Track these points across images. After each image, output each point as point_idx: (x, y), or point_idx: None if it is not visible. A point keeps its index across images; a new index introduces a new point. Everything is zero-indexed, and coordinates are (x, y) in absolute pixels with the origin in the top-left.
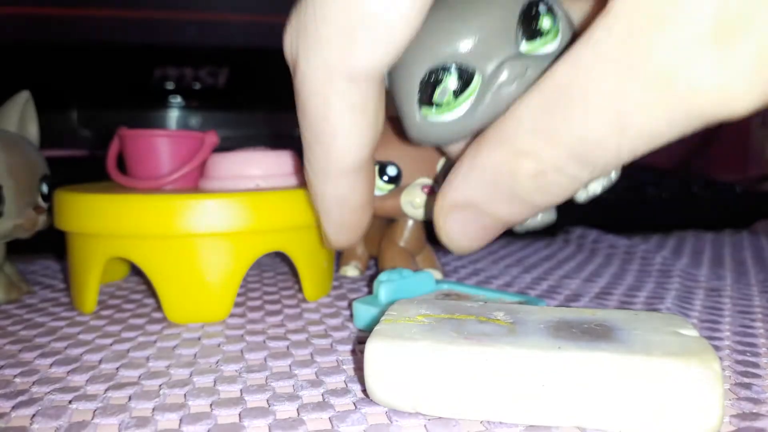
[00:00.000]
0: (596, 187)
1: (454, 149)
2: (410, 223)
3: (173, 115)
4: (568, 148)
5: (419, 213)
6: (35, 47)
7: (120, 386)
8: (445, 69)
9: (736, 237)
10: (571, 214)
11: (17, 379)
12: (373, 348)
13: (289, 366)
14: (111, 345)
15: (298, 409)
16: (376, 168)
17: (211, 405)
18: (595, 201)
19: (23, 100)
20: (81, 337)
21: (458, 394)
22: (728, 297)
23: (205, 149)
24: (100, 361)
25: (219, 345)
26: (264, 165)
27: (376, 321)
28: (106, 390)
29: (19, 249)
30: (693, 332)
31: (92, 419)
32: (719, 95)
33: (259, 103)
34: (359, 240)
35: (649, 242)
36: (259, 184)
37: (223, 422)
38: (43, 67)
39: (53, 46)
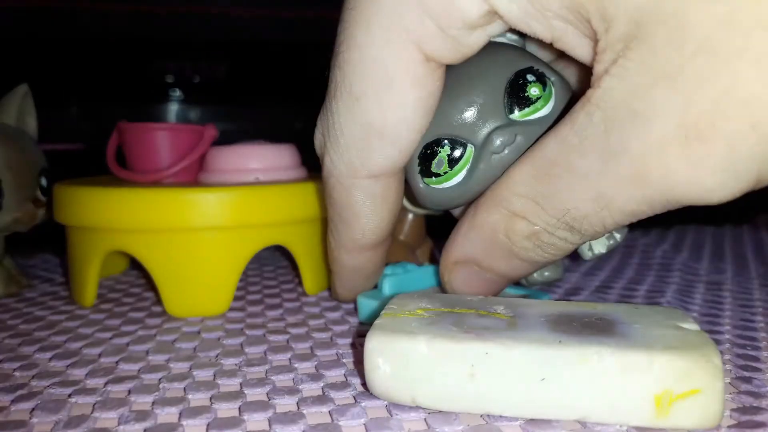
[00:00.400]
0: (600, 248)
1: (457, 211)
2: (410, 216)
3: (173, 108)
4: (556, 215)
5: (420, 207)
6: (34, 40)
7: (120, 380)
8: (438, 144)
9: (737, 231)
10: None
11: (17, 373)
12: (373, 342)
13: (289, 360)
14: (110, 339)
15: (298, 403)
16: None
17: (210, 399)
18: None
19: (22, 93)
20: (80, 330)
21: (458, 387)
22: (729, 291)
23: (205, 142)
24: (100, 355)
25: (219, 339)
26: (264, 158)
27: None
28: (106, 384)
29: (19, 243)
30: (693, 326)
31: (92, 413)
32: (692, 188)
33: (259, 96)
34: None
35: (649, 236)
36: (258, 178)
37: (223, 416)
38: (42, 61)
39: (52, 40)
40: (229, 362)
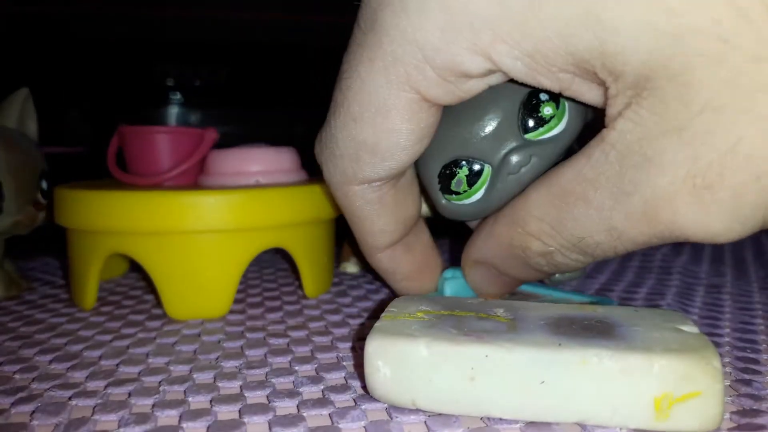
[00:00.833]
0: (570, 274)
1: (473, 222)
2: None
3: (173, 111)
4: (569, 240)
5: (421, 210)
6: (35, 44)
7: (120, 382)
8: (456, 164)
9: None
10: None
11: (17, 376)
12: (373, 344)
13: (289, 362)
14: (111, 341)
15: (298, 406)
16: None
17: (211, 401)
18: None
19: (23, 96)
20: (81, 333)
21: (458, 390)
22: (728, 294)
23: (205, 145)
24: (100, 358)
25: (219, 341)
26: (264, 161)
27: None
28: (106, 386)
29: (19, 245)
30: (693, 329)
31: (92, 416)
32: (700, 230)
33: (260, 99)
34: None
35: None
36: (259, 181)
37: (223, 419)
38: (43, 64)
39: (53, 43)
40: (230, 365)
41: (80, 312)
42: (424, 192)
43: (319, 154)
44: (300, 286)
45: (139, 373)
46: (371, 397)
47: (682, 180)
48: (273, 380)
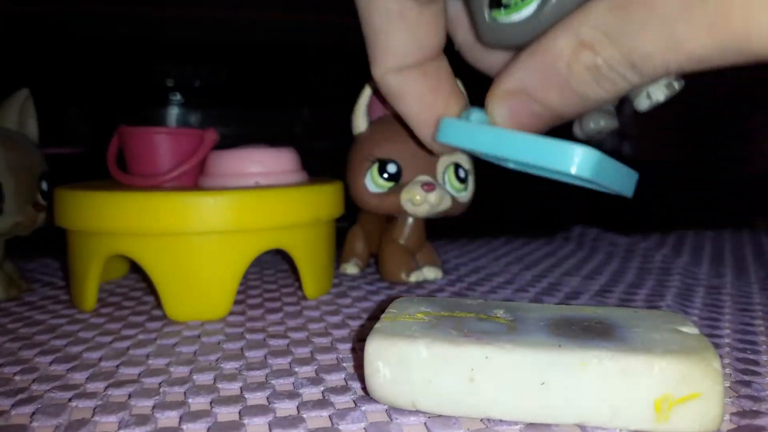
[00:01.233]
0: (659, 95)
1: (496, 63)
2: (410, 220)
3: (173, 112)
4: (622, 51)
5: (419, 210)
6: (35, 45)
7: (120, 384)
8: None
9: (736, 235)
10: (570, 212)
11: (17, 377)
12: (373, 345)
13: (289, 364)
14: (111, 343)
15: (298, 407)
16: (376, 166)
17: (211, 403)
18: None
19: (23, 97)
20: (81, 334)
21: (458, 391)
22: (728, 295)
23: (205, 146)
24: (100, 359)
25: (219, 343)
26: (264, 162)
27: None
28: (106, 388)
29: (19, 247)
30: (693, 330)
31: (92, 417)
32: None
33: (260, 100)
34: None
35: (649, 240)
36: (258, 182)
37: (223, 420)
38: (43, 65)
39: (53, 44)
40: (230, 366)
41: (80, 313)
42: (466, 13)
43: None
44: (300, 288)
45: (139, 374)
46: (371, 398)
47: None
48: (273, 381)
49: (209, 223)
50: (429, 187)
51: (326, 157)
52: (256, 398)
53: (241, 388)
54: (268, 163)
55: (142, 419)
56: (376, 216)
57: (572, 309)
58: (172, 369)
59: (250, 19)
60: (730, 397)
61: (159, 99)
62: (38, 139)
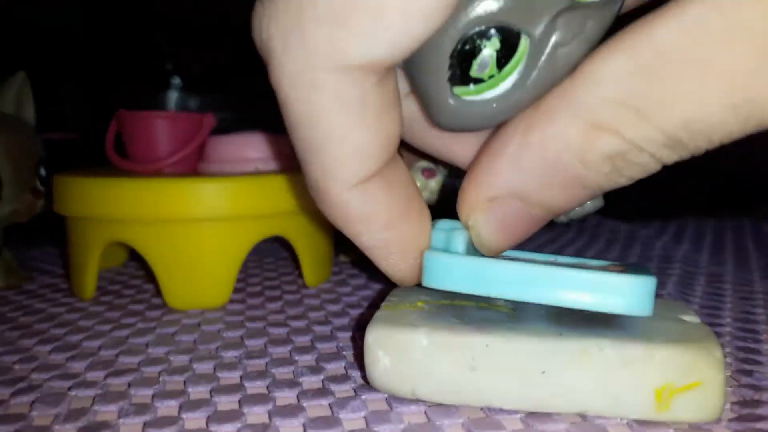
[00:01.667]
0: (591, 206)
1: (460, 150)
2: None
3: (172, 96)
4: (666, 127)
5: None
6: (32, 29)
7: (119, 373)
8: (482, 35)
9: (737, 223)
10: None
11: (16, 366)
12: (373, 334)
13: (289, 352)
14: (110, 331)
15: (298, 396)
16: None
17: (210, 392)
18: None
19: (19, 81)
20: (80, 323)
21: (459, 380)
22: (729, 283)
23: (204, 131)
24: (100, 348)
25: (219, 331)
26: (263, 148)
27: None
28: (106, 377)
29: (18, 234)
30: (694, 318)
31: (92, 406)
32: None
33: (259, 85)
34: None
35: (650, 228)
36: (258, 168)
37: (223, 409)
38: (40, 49)
39: (50, 28)
40: (229, 355)
41: (79, 302)
42: (415, 92)
43: (270, 24)
44: (300, 276)
45: (139, 363)
46: (371, 387)
47: None
48: (273, 370)
49: (209, 209)
50: (429, 173)
51: None
52: (256, 387)
53: (241, 376)
54: (269, 149)
55: (142, 408)
56: None
57: None
58: (171, 358)
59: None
60: (731, 386)
61: (159, 83)
62: (35, 123)
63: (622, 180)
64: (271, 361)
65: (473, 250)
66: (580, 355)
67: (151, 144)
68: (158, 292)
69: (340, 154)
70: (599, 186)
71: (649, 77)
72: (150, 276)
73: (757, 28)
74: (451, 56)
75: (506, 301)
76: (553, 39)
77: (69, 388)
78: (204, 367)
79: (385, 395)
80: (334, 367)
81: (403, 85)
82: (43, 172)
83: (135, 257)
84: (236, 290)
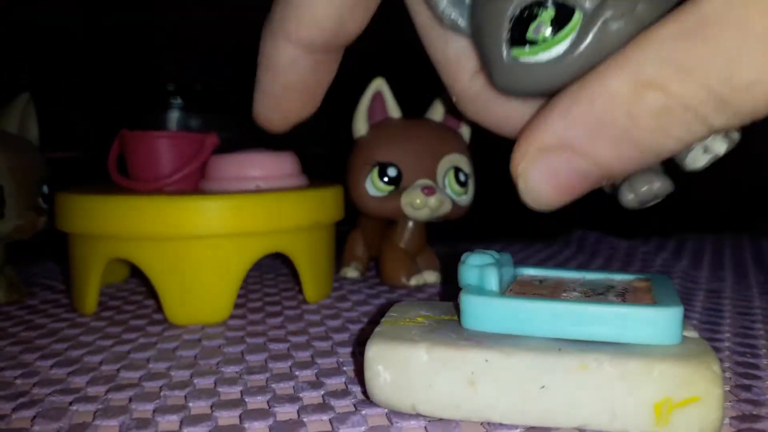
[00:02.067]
0: (719, 147)
1: (510, 116)
2: (410, 224)
3: (174, 116)
4: (708, 85)
5: (420, 214)
6: (35, 49)
7: (120, 388)
8: (540, 4)
9: (736, 239)
10: (570, 217)
11: (18, 381)
12: (373, 349)
13: (290, 368)
14: (111, 346)
15: (298, 411)
16: (376, 169)
17: (211, 406)
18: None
19: (24, 101)
20: (81, 338)
21: (458, 395)
22: (728, 298)
23: (206, 150)
24: (101, 363)
25: (219, 346)
26: (264, 166)
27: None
28: (107, 391)
29: (20, 250)
30: (693, 334)
31: (93, 421)
32: None
33: None
34: (288, 123)
35: (649, 244)
36: (259, 186)
37: (224, 424)
38: (44, 69)
39: (54, 49)
40: (230, 370)
41: (81, 317)
42: (481, 63)
43: None
44: (300, 291)
45: (140, 378)
46: (371, 402)
47: None
48: (273, 385)
49: (210, 227)
50: (429, 191)
51: (326, 160)
52: (256, 402)
53: (241, 391)
54: (269, 167)
55: (143, 423)
56: (376, 220)
57: None
58: (172, 373)
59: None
60: (730, 401)
61: (160, 103)
62: (39, 142)
63: (670, 142)
64: (271, 376)
65: (505, 286)
66: (579, 370)
67: (152, 164)
68: (159, 308)
69: (296, 13)
70: (648, 146)
71: (694, 38)
72: (151, 292)
73: None
74: (510, 20)
75: None
76: (604, 15)
77: (70, 403)
78: (205, 382)
79: (386, 410)
80: (335, 383)
81: (473, 64)
82: (45, 189)
83: (136, 273)
84: (237, 306)
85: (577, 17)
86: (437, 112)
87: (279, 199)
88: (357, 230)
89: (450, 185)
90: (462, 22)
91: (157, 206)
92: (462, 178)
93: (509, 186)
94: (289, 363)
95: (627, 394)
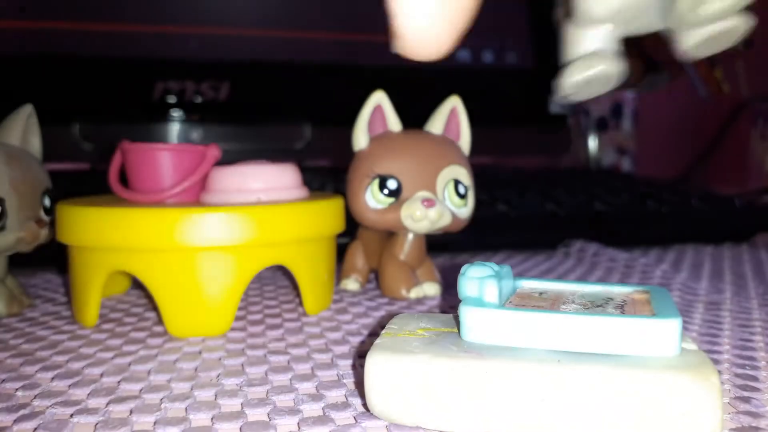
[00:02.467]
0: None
1: None
2: (410, 236)
3: (175, 128)
4: None
5: (419, 226)
6: (37, 61)
7: (121, 400)
8: None
9: (736, 250)
10: (570, 228)
11: (19, 393)
12: (373, 362)
13: (290, 380)
14: (112, 358)
15: (298, 423)
16: (376, 182)
17: (212, 419)
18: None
19: (26, 113)
20: (82, 350)
21: (458, 407)
22: (728, 310)
23: (207, 162)
24: (102, 375)
25: (220, 359)
26: (265, 178)
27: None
28: (108, 404)
29: (21, 262)
30: (692, 346)
31: None
32: None
33: (261, 116)
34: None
35: (648, 256)
36: (260, 198)
37: None
38: (45, 81)
39: (55, 60)
40: (230, 382)
41: (82, 329)
42: None
43: None
44: (300, 304)
45: (141, 390)
46: (372, 414)
47: None
48: (273, 398)
49: (211, 239)
50: (429, 203)
51: (327, 173)
52: (256, 414)
53: (242, 404)
54: (270, 179)
55: None
56: (376, 232)
57: None
58: (173, 385)
59: (252, 37)
60: (729, 413)
61: (161, 115)
62: (41, 155)
63: None
64: (271, 388)
65: (505, 298)
66: (579, 381)
67: (153, 176)
68: (160, 321)
69: None
70: None
71: None
72: (152, 304)
73: None
74: None
75: None
76: None
77: (71, 415)
78: (205, 395)
79: (386, 423)
80: (335, 395)
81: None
82: (47, 202)
83: (137, 285)
84: (237, 318)
85: None
86: (437, 124)
87: (280, 211)
88: (357, 242)
89: (450, 197)
90: None
91: (157, 218)
92: (462, 190)
93: (509, 197)
94: (290, 375)
95: (626, 405)
